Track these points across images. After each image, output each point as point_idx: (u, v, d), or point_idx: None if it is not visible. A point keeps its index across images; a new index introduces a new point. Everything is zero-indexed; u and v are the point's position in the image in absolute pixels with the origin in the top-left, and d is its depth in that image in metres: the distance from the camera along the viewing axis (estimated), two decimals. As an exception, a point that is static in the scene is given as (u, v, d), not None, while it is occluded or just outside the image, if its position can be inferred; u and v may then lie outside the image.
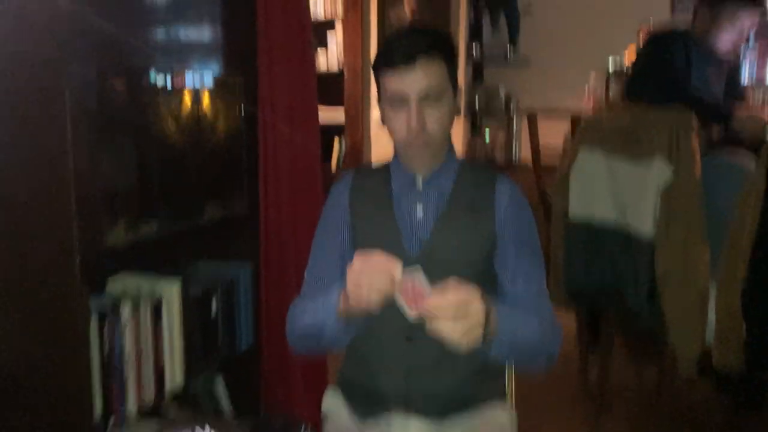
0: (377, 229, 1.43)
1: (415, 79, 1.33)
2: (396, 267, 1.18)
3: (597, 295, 2.56)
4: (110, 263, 1.74)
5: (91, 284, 1.69)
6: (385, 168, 1.52)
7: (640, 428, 2.70)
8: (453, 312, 1.12)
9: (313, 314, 1.35)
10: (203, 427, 1.08)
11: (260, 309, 2.33)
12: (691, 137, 2.20)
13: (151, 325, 1.87)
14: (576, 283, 2.59)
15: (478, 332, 1.16)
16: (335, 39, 4.67)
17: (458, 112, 1.48)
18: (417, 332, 1.38)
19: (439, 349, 1.38)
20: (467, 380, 1.41)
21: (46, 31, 1.55)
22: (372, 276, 1.17)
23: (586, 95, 3.84)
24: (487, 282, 1.42)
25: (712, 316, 2.23)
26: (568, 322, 3.20)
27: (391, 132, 1.42)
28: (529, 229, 1.46)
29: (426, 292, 1.15)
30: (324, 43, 4.68)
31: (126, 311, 1.79)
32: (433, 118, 1.36)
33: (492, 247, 1.41)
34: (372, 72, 1.45)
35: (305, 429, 1.09)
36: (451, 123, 1.43)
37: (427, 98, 1.34)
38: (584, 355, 2.93)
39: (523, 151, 4.64)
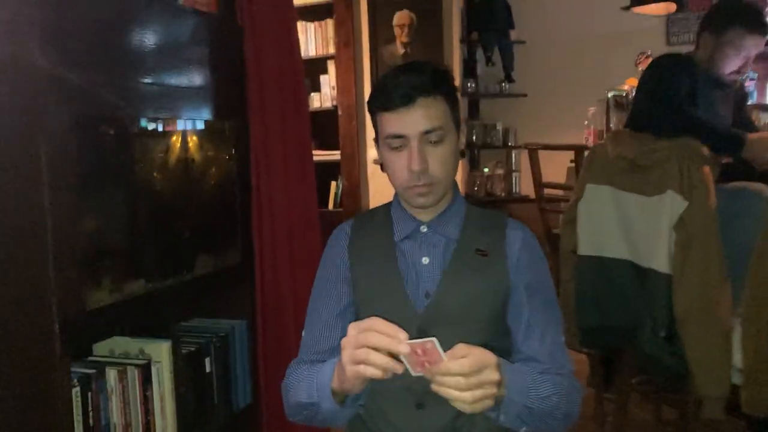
0: (379, 284, 1.31)
1: (415, 120, 1.23)
2: (399, 337, 1.03)
3: (611, 336, 2.43)
4: (93, 328, 1.61)
5: (74, 350, 1.57)
6: (386, 214, 1.41)
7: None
8: (466, 380, 1.00)
9: (307, 391, 1.21)
10: None
11: (257, 364, 2.20)
12: (701, 168, 2.10)
13: (140, 389, 1.74)
14: (588, 324, 2.46)
15: (491, 399, 1.05)
16: (328, 81, 4.62)
17: (463, 155, 1.38)
18: (428, 398, 1.26)
19: (453, 415, 1.26)
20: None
21: (21, 80, 1.46)
22: (369, 351, 1.04)
23: (587, 128, 3.76)
24: (499, 337, 1.31)
25: (737, 354, 2.10)
26: (580, 363, 3.07)
27: (392, 177, 1.32)
28: (544, 277, 1.35)
29: (439, 359, 1.03)
30: (317, 87, 4.63)
31: (112, 377, 1.66)
32: (436, 160, 1.26)
33: (505, 298, 1.30)
34: (368, 111, 1.36)
35: None
36: (455, 165, 1.32)
37: (428, 139, 1.25)
38: (599, 400, 2.79)
39: (522, 184, 4.55)
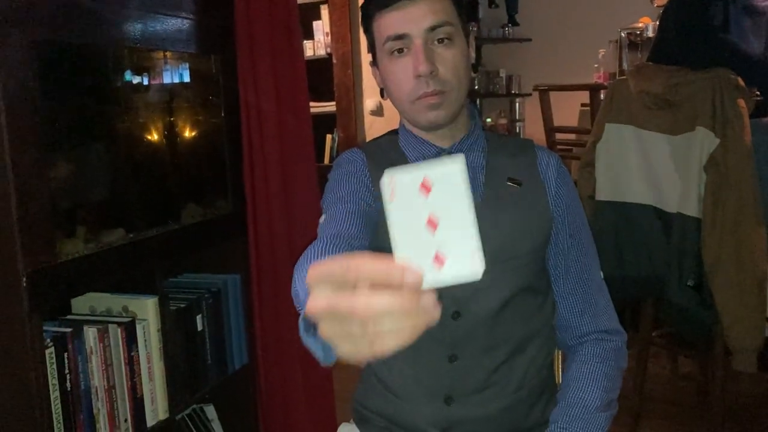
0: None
1: (419, 16, 1.04)
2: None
3: (632, 287, 2.27)
4: (68, 281, 1.44)
5: (46, 307, 1.40)
6: (393, 146, 1.21)
7: (684, 430, 2.43)
8: None
9: (302, 284, 0.91)
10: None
11: (253, 322, 2.03)
12: (736, 101, 1.91)
13: (123, 350, 1.58)
14: (607, 274, 2.29)
15: None
16: (321, 27, 4.38)
17: (475, 69, 1.18)
18: (462, 350, 1.10)
19: (488, 369, 1.11)
20: (520, 406, 1.13)
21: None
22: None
23: (596, 72, 3.56)
24: (539, 277, 1.16)
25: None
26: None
27: (396, 92, 1.11)
28: (580, 207, 1.21)
29: None
30: (310, 34, 4.38)
31: (91, 336, 1.49)
32: (446, 63, 1.06)
33: (548, 227, 1.14)
34: (362, 28, 1.15)
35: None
36: (467, 73, 1.12)
37: (434, 38, 1.06)
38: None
39: (527, 134, 4.35)
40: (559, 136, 2.98)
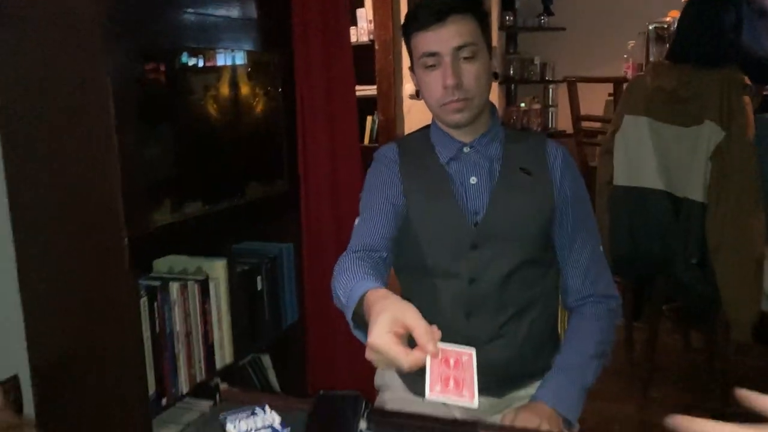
0: (432, 203, 1.38)
1: (448, 37, 1.29)
2: (432, 340, 0.91)
3: (644, 265, 2.50)
4: (156, 244, 1.74)
5: (139, 265, 1.70)
6: (425, 139, 1.47)
7: (690, 398, 2.65)
8: None
9: (343, 290, 1.19)
10: (263, 408, 1.07)
11: (303, 285, 2.33)
12: (742, 97, 2.11)
13: (199, 303, 1.88)
14: (622, 253, 2.53)
15: None
16: (365, 14, 4.61)
17: (496, 77, 1.43)
18: (475, 310, 1.36)
19: (498, 324, 1.36)
20: (526, 354, 1.39)
21: (87, 20, 1.55)
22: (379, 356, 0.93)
23: (625, 62, 3.72)
24: (543, 251, 1.40)
25: (767, 282, 2.16)
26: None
27: (428, 97, 1.37)
28: (584, 192, 1.43)
29: (470, 382, 0.88)
30: (353, 21, 4.62)
31: (174, 290, 1.80)
32: (470, 75, 1.31)
33: (550, 214, 1.38)
34: (404, 41, 1.41)
35: (366, 406, 1.07)
36: (488, 83, 1.38)
37: (460, 55, 1.30)
38: (629, 327, 2.88)
39: (559, 120, 4.54)
40: (584, 124, 3.19)
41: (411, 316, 0.93)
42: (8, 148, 1.69)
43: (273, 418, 1.04)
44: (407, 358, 0.88)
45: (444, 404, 1.28)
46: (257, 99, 2.17)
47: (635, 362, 2.82)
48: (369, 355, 0.93)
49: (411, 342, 0.92)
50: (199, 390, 1.93)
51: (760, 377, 2.76)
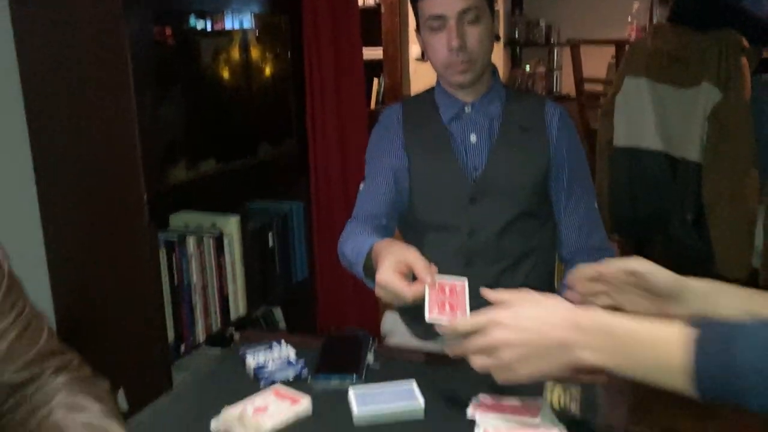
0: (434, 158, 1.46)
1: (453, 1, 1.36)
2: (430, 273, 1.05)
3: (643, 224, 2.58)
4: (173, 200, 1.84)
5: (157, 220, 1.79)
6: (430, 99, 1.54)
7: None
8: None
9: (351, 248, 1.36)
10: (279, 342, 1.17)
11: (313, 243, 2.42)
12: (739, 58, 2.16)
13: (214, 258, 1.98)
14: (621, 213, 2.61)
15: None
16: (371, -23, 4.62)
17: (497, 39, 1.50)
18: (474, 260, 1.45)
19: (495, 274, 1.45)
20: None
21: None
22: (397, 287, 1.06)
23: (630, 24, 3.75)
24: (539, 205, 1.48)
25: (759, 239, 2.24)
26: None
27: (433, 58, 1.45)
28: (580, 150, 1.50)
29: (463, 306, 1.02)
30: (360, -19, 4.63)
31: (191, 245, 1.90)
32: (473, 39, 1.38)
33: (546, 169, 1.45)
34: (410, 3, 1.47)
35: (372, 342, 1.17)
36: (491, 46, 1.45)
37: (465, 18, 1.37)
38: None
39: (564, 82, 4.58)
40: (587, 86, 3.24)
41: (412, 256, 1.08)
42: (33, 109, 1.77)
43: (288, 352, 1.14)
44: (409, 290, 1.04)
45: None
46: (266, 61, 2.24)
47: (632, 319, 2.92)
48: (378, 292, 1.08)
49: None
50: (215, 339, 2.04)
51: None
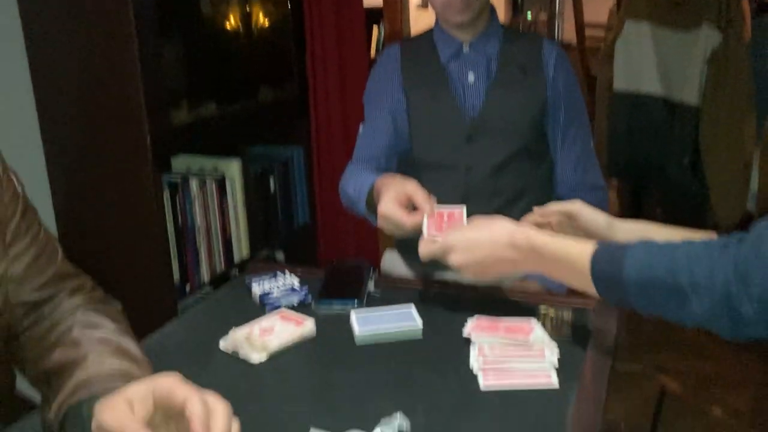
0: (431, 97, 1.48)
1: None
2: (429, 202, 1.13)
3: (641, 168, 2.61)
4: (175, 142, 1.86)
5: (160, 160, 1.82)
6: (428, 39, 1.55)
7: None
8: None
9: (353, 186, 1.43)
10: (284, 272, 1.21)
11: (314, 188, 2.45)
12: (740, 1, 2.16)
13: (217, 201, 2.01)
14: (619, 156, 2.63)
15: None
16: None
17: None
18: (470, 197, 1.48)
19: (491, 210, 1.49)
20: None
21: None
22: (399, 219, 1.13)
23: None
24: (536, 142, 1.50)
25: (754, 183, 2.27)
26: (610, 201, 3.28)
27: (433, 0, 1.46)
28: (576, 89, 1.52)
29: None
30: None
31: (194, 187, 1.93)
32: None
33: (542, 108, 1.47)
34: None
35: (372, 271, 1.21)
36: None
37: None
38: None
39: (565, 30, 4.53)
40: (589, 32, 3.22)
41: (411, 188, 1.15)
42: (36, 54, 1.77)
43: (292, 280, 1.18)
44: (409, 219, 1.10)
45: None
46: (267, 5, 2.23)
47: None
48: (380, 223, 1.15)
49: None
50: (219, 281, 2.08)
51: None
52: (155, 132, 1.74)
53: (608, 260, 0.86)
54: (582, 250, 0.90)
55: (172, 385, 0.69)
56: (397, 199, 1.14)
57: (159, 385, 0.69)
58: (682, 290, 0.79)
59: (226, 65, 2.05)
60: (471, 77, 1.48)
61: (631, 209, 3.05)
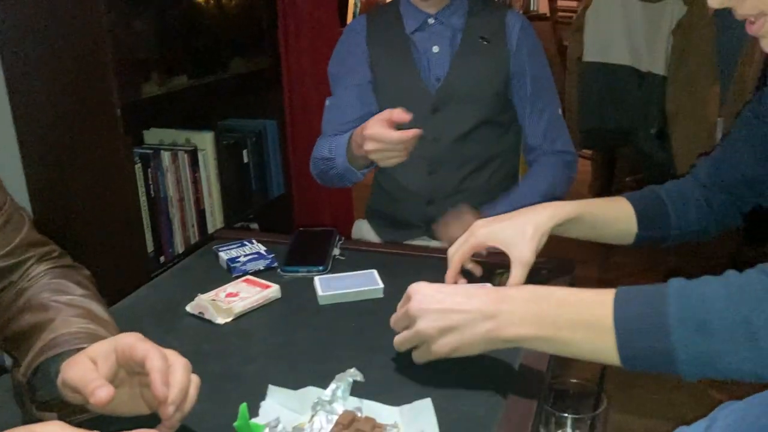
0: (396, 71, 1.51)
1: None
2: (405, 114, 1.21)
3: (610, 138, 2.66)
4: (147, 115, 1.87)
5: (132, 133, 1.83)
6: (395, 9, 1.57)
7: (648, 263, 2.88)
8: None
9: (328, 148, 1.45)
10: (250, 241, 1.24)
11: (288, 159, 2.47)
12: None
13: (189, 172, 2.03)
14: (589, 127, 2.68)
15: None
16: None
17: None
18: (437, 167, 1.51)
19: (458, 179, 1.52)
20: (484, 205, 1.55)
21: None
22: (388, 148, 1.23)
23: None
24: (500, 112, 1.53)
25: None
26: (583, 170, 3.33)
27: None
28: (542, 59, 1.54)
29: None
30: None
31: (166, 158, 1.94)
32: None
33: (507, 77, 1.50)
34: None
35: (339, 238, 1.24)
36: None
37: None
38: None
39: (540, 2, 4.55)
40: (562, 3, 3.24)
41: (387, 112, 1.22)
42: (3, 25, 1.76)
43: (259, 247, 1.21)
44: (396, 132, 1.20)
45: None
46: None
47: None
48: (368, 147, 1.23)
49: None
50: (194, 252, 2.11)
51: (713, 243, 2.98)
52: (126, 104, 1.75)
53: (640, 299, 0.68)
54: (599, 296, 0.71)
55: (133, 342, 0.72)
56: (380, 121, 1.20)
57: (120, 343, 0.73)
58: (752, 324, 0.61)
59: (197, 37, 2.06)
60: (436, 49, 1.50)
61: (603, 179, 3.12)
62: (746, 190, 1.04)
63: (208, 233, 2.14)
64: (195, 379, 0.72)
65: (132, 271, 1.87)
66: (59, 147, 1.84)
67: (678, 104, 2.28)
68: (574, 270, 1.15)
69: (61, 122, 1.80)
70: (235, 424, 0.71)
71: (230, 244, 1.23)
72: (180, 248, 2.03)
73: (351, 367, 0.81)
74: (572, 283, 1.11)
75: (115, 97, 1.72)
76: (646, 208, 1.07)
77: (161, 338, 0.76)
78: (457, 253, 1.01)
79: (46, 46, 1.74)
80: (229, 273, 1.15)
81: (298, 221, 2.51)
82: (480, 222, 1.01)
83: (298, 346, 0.94)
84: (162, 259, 1.96)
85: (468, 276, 1.06)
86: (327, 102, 1.57)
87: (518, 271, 0.96)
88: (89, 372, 0.70)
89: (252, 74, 2.30)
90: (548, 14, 3.93)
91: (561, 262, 1.16)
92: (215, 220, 2.17)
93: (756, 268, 0.66)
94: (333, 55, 1.60)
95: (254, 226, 2.47)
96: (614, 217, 1.07)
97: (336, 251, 1.20)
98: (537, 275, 1.11)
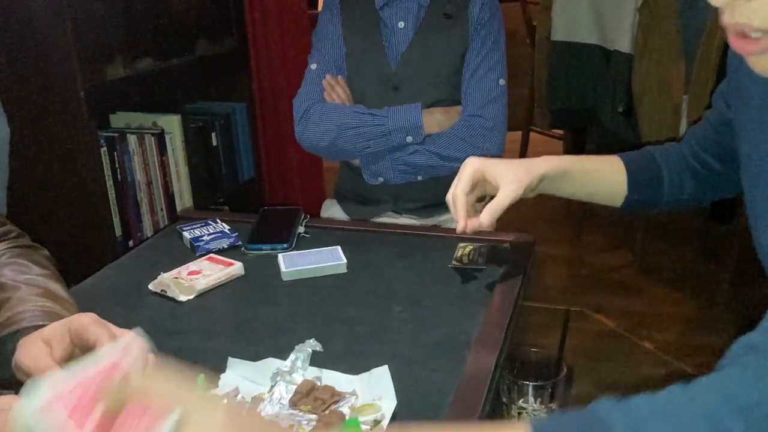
0: (363, 45, 1.52)
1: None
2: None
3: (578, 117, 2.68)
4: (112, 98, 1.84)
5: (97, 116, 1.80)
6: None
7: (617, 241, 2.93)
8: None
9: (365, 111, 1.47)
10: (214, 220, 1.24)
11: (258, 143, 2.46)
12: (670, -51, 2.21)
13: (157, 155, 2.01)
14: (558, 106, 2.70)
15: None
16: None
17: None
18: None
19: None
20: (443, 184, 1.56)
21: None
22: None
23: None
24: (457, 92, 1.53)
25: (683, 130, 2.36)
26: (554, 150, 3.36)
27: None
28: (498, 32, 1.52)
29: None
30: None
31: (132, 142, 1.92)
32: None
33: (464, 51, 1.51)
34: None
35: (304, 217, 1.25)
36: None
37: None
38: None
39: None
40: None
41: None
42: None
43: (222, 226, 1.21)
44: None
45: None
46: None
47: (571, 209, 3.07)
48: None
49: None
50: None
51: (680, 221, 3.04)
52: (89, 87, 1.73)
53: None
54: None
55: (87, 324, 0.72)
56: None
57: (75, 324, 0.72)
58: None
59: (162, 18, 2.03)
60: (401, 24, 1.51)
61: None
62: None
63: (177, 216, 2.13)
64: (151, 359, 0.72)
65: (100, 255, 1.85)
66: (23, 131, 1.80)
67: (644, 82, 2.30)
68: (534, 246, 1.17)
69: (25, 106, 1.77)
70: (193, 395, 0.71)
71: (194, 224, 1.23)
72: (149, 232, 2.01)
73: (311, 339, 0.82)
74: (533, 261, 1.12)
75: (78, 79, 1.70)
76: (638, 171, 1.02)
77: (124, 316, 0.76)
78: (458, 189, 0.96)
79: (7, 26, 1.71)
80: (192, 252, 1.15)
81: (269, 205, 2.51)
82: (472, 159, 0.98)
83: (259, 321, 0.94)
84: (131, 243, 1.95)
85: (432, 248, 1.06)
86: (313, 66, 1.55)
87: (505, 191, 0.93)
88: (42, 356, 0.70)
89: (219, 57, 2.28)
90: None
91: (521, 237, 1.17)
92: (185, 204, 2.15)
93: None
94: (317, 24, 1.60)
95: (224, 209, 2.46)
96: (605, 177, 1.03)
97: (301, 229, 1.21)
98: (500, 250, 1.12)
